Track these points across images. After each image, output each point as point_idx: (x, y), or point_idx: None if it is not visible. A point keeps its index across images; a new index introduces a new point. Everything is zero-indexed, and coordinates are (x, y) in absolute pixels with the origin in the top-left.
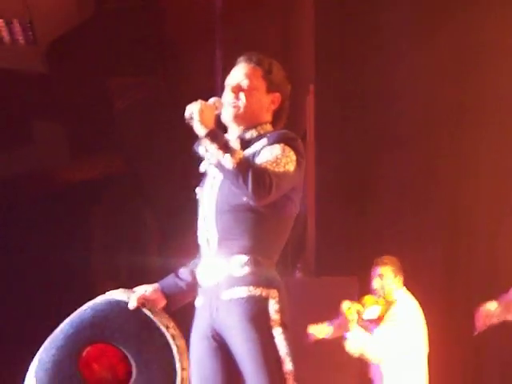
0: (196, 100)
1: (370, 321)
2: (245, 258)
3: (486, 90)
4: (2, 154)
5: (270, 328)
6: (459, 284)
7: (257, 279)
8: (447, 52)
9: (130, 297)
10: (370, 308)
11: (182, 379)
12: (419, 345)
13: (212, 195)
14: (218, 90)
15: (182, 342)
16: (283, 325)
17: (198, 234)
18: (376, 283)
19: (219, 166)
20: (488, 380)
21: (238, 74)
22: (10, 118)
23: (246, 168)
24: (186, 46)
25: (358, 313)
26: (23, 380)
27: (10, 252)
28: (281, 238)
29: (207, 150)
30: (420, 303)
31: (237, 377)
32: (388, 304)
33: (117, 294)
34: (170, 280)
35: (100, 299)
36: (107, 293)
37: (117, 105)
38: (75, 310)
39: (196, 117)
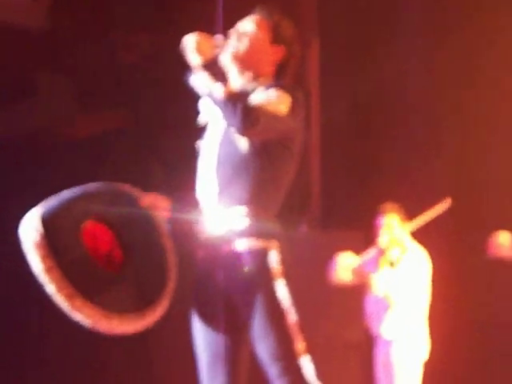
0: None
1: (390, 263)
2: (244, 209)
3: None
4: (6, 110)
5: (271, 280)
6: (467, 237)
7: (256, 231)
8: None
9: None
10: (394, 250)
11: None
12: (424, 294)
13: (213, 147)
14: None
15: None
16: (285, 275)
17: (197, 187)
18: (384, 231)
19: (210, 95)
20: (497, 338)
21: (246, 22)
22: (13, 74)
23: (235, 98)
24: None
25: (385, 250)
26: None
27: (14, 207)
28: (280, 189)
29: (199, 81)
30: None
31: (245, 342)
32: (404, 250)
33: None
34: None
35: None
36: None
37: (123, 60)
38: None
39: (190, 46)
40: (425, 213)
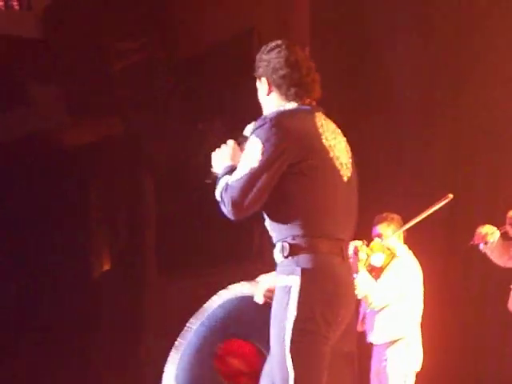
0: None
1: (374, 268)
2: (278, 245)
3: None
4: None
5: (284, 320)
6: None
7: (284, 267)
8: None
9: (256, 291)
10: (377, 254)
11: None
12: (416, 300)
13: None
14: (214, 50)
15: None
16: (300, 317)
17: None
18: (376, 240)
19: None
20: (489, 339)
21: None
22: (6, 83)
23: (219, 196)
24: (184, 7)
25: (367, 255)
26: None
27: (8, 214)
28: (311, 211)
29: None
30: (421, 254)
31: None
32: (392, 255)
33: (242, 289)
34: None
35: (227, 295)
36: (231, 286)
37: (114, 67)
38: (70, 270)
39: (227, 153)
40: (428, 208)
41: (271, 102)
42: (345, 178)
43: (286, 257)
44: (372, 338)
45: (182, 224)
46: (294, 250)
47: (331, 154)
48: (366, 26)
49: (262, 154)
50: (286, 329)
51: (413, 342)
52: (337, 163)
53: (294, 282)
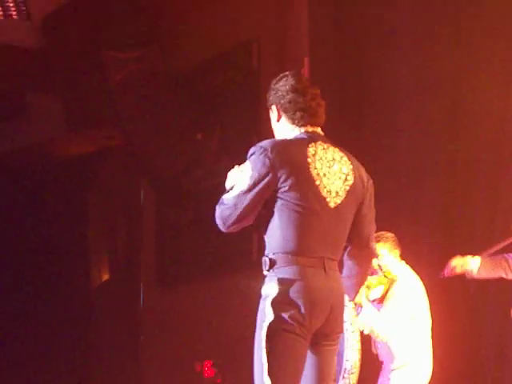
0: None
1: (374, 300)
2: (263, 259)
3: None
4: None
5: (262, 323)
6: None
7: (266, 279)
8: None
9: None
10: (375, 289)
11: None
12: (423, 319)
13: None
14: (214, 61)
15: None
16: (275, 318)
17: None
18: (373, 263)
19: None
20: (486, 347)
21: None
22: (4, 93)
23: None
24: (183, 19)
25: (366, 296)
26: None
27: (4, 225)
28: (290, 232)
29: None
30: (419, 268)
31: None
32: (390, 281)
33: None
34: None
35: None
36: None
37: (113, 78)
38: (69, 279)
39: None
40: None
41: (281, 128)
42: (331, 204)
43: (268, 270)
44: (384, 361)
45: (180, 234)
46: (273, 264)
47: (317, 183)
48: (365, 35)
49: (250, 178)
50: (263, 328)
51: (422, 356)
52: (323, 191)
53: (272, 290)
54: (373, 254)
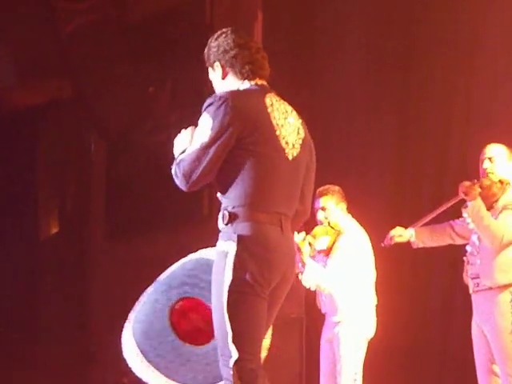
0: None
1: (321, 251)
2: (221, 213)
3: None
4: None
5: (222, 283)
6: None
7: (223, 234)
8: None
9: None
10: (321, 238)
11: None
12: (368, 272)
13: None
14: (166, 13)
15: None
16: (235, 280)
17: None
18: (320, 215)
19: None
20: (433, 306)
21: None
22: None
23: (173, 171)
24: None
25: (310, 244)
26: None
27: None
28: (251, 184)
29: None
30: (366, 222)
31: None
32: (336, 233)
33: (205, 253)
34: None
35: (190, 258)
36: (200, 251)
37: (64, 28)
38: (17, 231)
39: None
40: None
41: (228, 85)
42: (289, 157)
43: (226, 224)
44: (327, 312)
45: (131, 188)
46: (232, 219)
47: (277, 133)
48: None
49: (211, 129)
50: (224, 291)
51: (366, 309)
52: (282, 142)
53: (231, 247)
54: (307, 213)
